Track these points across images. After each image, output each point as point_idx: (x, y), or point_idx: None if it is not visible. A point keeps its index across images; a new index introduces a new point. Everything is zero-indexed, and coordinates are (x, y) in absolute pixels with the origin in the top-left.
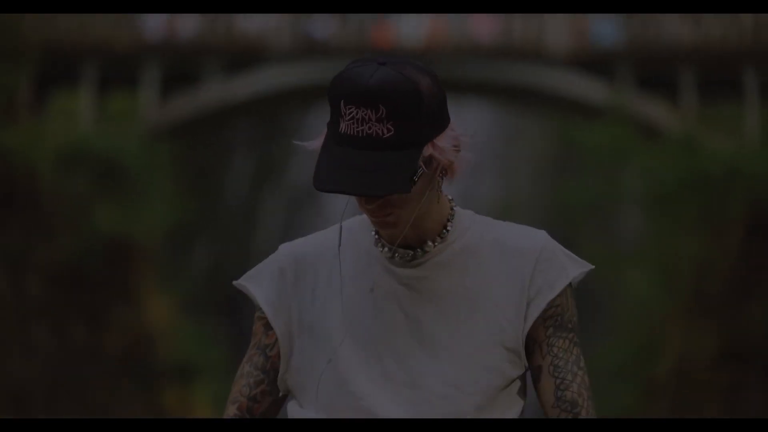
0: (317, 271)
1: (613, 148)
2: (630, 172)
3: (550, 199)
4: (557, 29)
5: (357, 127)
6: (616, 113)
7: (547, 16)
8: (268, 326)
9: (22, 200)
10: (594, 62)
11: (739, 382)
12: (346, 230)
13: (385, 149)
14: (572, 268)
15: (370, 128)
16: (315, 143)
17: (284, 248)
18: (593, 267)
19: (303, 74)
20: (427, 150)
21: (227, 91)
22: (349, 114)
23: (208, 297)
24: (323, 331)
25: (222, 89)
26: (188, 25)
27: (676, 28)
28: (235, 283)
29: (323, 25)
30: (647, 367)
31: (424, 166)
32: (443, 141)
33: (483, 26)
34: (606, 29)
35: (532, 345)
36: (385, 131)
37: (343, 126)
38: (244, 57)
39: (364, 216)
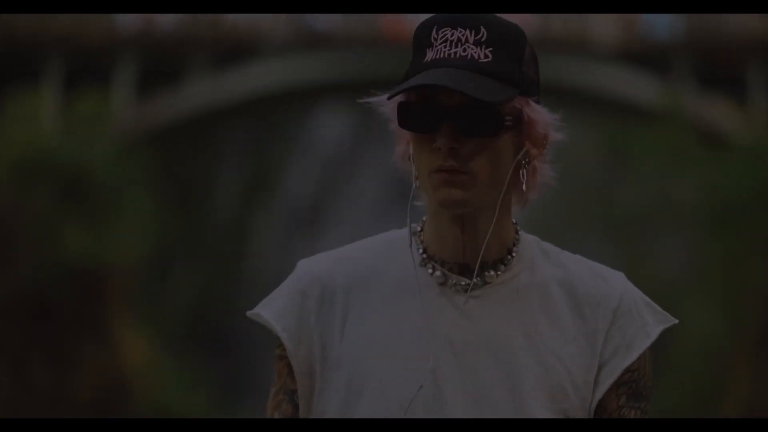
0: (348, 297)
1: (670, 156)
2: (689, 185)
3: (596, 215)
4: (603, 19)
5: (449, 50)
6: (672, 116)
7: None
8: (292, 369)
9: None
10: (647, 57)
11: None
12: (386, 242)
13: (482, 74)
14: (654, 324)
15: (465, 50)
16: (382, 101)
17: (304, 266)
18: (677, 321)
19: (304, 70)
20: (521, 103)
21: (215, 91)
22: (442, 37)
23: (193, 331)
24: (359, 370)
25: (209, 88)
26: (168, 14)
27: (743, 17)
28: (248, 313)
29: (327, 16)
30: (709, 414)
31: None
32: (537, 108)
33: (517, 17)
34: (661, 18)
35: (599, 413)
36: (482, 56)
37: (430, 55)
38: (235, 51)
39: (405, 231)
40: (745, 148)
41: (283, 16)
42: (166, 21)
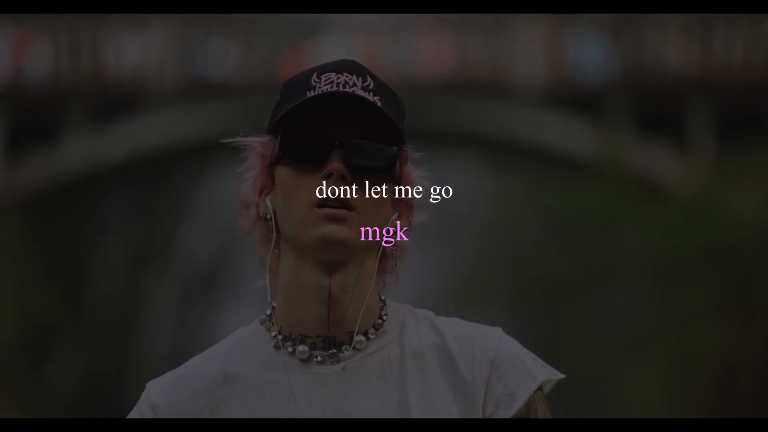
0: (209, 411)
1: (604, 210)
2: (627, 241)
3: (523, 276)
4: (528, 57)
5: (337, 90)
6: (607, 165)
7: (513, 40)
8: None
9: None
10: (576, 99)
11: None
12: (231, 346)
13: (376, 114)
14: (539, 372)
15: (354, 91)
16: (256, 139)
17: (152, 387)
18: (563, 377)
19: (193, 123)
20: (402, 157)
21: (94, 148)
22: (326, 80)
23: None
24: None
25: (88, 145)
26: (42, 63)
27: (681, 53)
28: None
29: (218, 57)
30: None
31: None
32: (413, 169)
33: (432, 56)
34: (591, 57)
35: None
36: (372, 100)
37: (311, 94)
38: (117, 103)
39: (252, 325)
40: (688, 199)
41: (170, 63)
42: (37, 69)
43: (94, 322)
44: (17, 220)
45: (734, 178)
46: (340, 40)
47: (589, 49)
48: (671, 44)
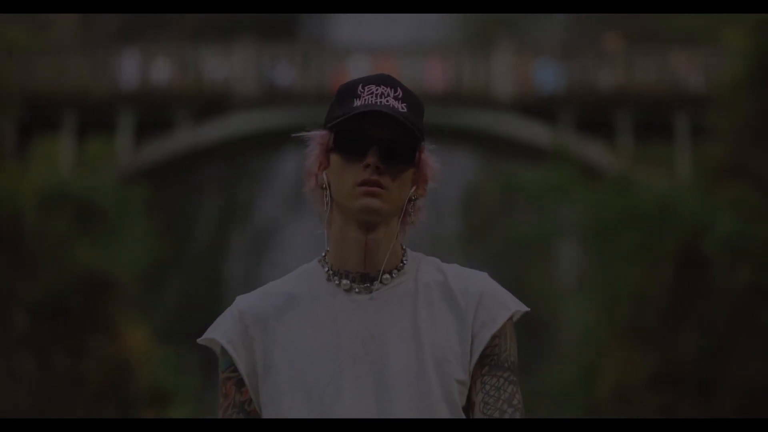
0: (273, 319)
1: (556, 186)
2: (572, 209)
3: (499, 235)
4: (503, 77)
5: (376, 100)
6: (558, 154)
7: (493, 64)
8: (239, 383)
9: (7, 239)
10: (537, 107)
11: (671, 403)
12: (299, 274)
13: (402, 121)
14: (513, 304)
15: (388, 101)
16: (317, 132)
17: (240, 299)
18: (529, 309)
19: (267, 120)
20: (420, 148)
21: (196, 137)
22: (368, 91)
23: (180, 328)
24: (284, 370)
25: (192, 134)
26: (161, 74)
27: (612, 75)
28: (199, 340)
29: (285, 74)
30: (589, 388)
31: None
32: (429, 156)
33: (434, 74)
34: (548, 76)
35: (471, 382)
36: (400, 108)
37: (359, 102)
38: (213, 104)
39: (313, 262)
40: (614, 179)
41: (251, 74)
42: (158, 79)
43: (194, 262)
44: (141, 186)
45: (645, 164)
46: (366, 61)
47: (546, 72)
48: (604, 69)
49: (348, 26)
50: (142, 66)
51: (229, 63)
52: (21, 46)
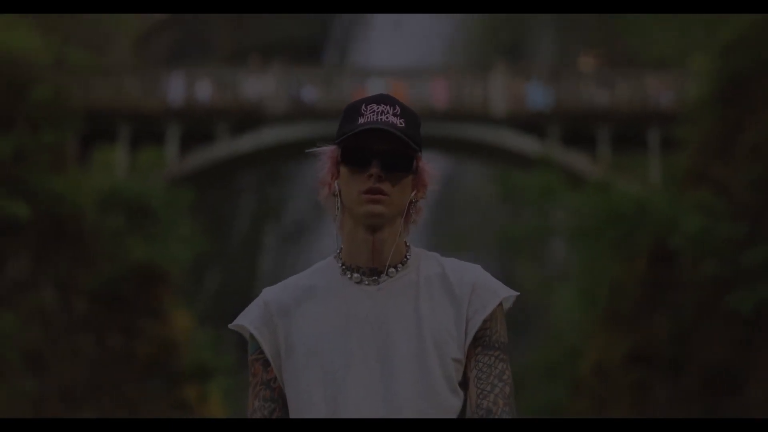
0: (294, 307)
1: (545, 191)
2: (558, 211)
3: (494, 233)
4: (499, 96)
5: (377, 117)
6: (546, 163)
7: (490, 85)
8: (266, 364)
9: (70, 235)
10: (529, 122)
11: (645, 381)
12: (316, 269)
13: (401, 132)
14: (502, 292)
15: (387, 118)
16: (328, 148)
17: (266, 291)
18: (519, 293)
19: (295, 132)
20: (418, 157)
21: (234, 147)
22: (371, 110)
23: (219, 312)
24: (304, 349)
25: (230, 145)
26: (203, 93)
27: (594, 94)
28: (230, 325)
29: (311, 93)
30: (572, 368)
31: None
32: (426, 164)
33: (439, 93)
34: (538, 95)
35: (466, 361)
36: (399, 123)
37: (362, 120)
38: (248, 119)
39: (329, 258)
40: (595, 185)
41: (281, 95)
42: (202, 96)
43: (231, 256)
44: (187, 190)
45: (622, 172)
46: (381, 82)
47: (536, 92)
48: (587, 89)
49: (365, 52)
50: (187, 86)
51: (262, 83)
52: (83, 68)
